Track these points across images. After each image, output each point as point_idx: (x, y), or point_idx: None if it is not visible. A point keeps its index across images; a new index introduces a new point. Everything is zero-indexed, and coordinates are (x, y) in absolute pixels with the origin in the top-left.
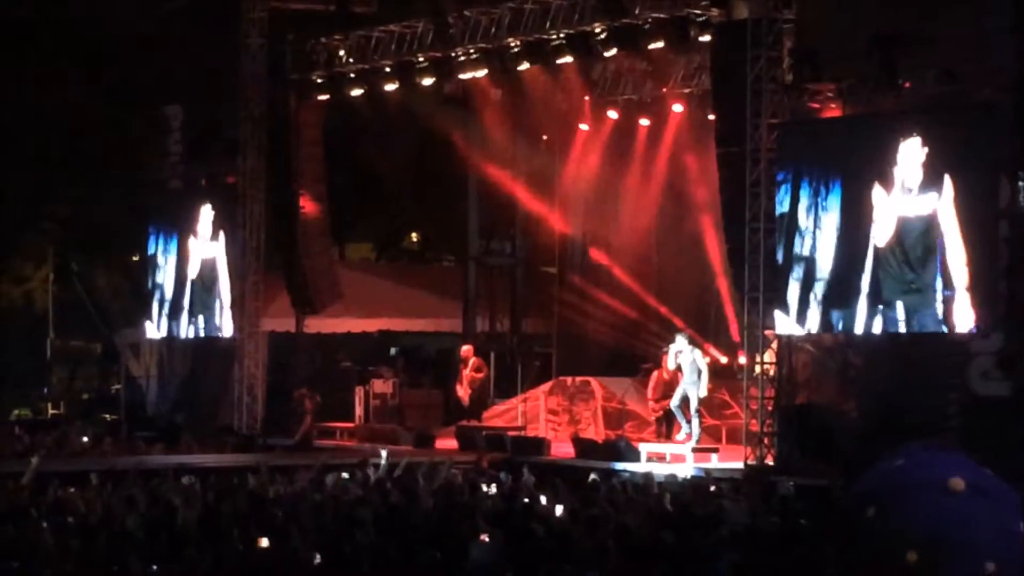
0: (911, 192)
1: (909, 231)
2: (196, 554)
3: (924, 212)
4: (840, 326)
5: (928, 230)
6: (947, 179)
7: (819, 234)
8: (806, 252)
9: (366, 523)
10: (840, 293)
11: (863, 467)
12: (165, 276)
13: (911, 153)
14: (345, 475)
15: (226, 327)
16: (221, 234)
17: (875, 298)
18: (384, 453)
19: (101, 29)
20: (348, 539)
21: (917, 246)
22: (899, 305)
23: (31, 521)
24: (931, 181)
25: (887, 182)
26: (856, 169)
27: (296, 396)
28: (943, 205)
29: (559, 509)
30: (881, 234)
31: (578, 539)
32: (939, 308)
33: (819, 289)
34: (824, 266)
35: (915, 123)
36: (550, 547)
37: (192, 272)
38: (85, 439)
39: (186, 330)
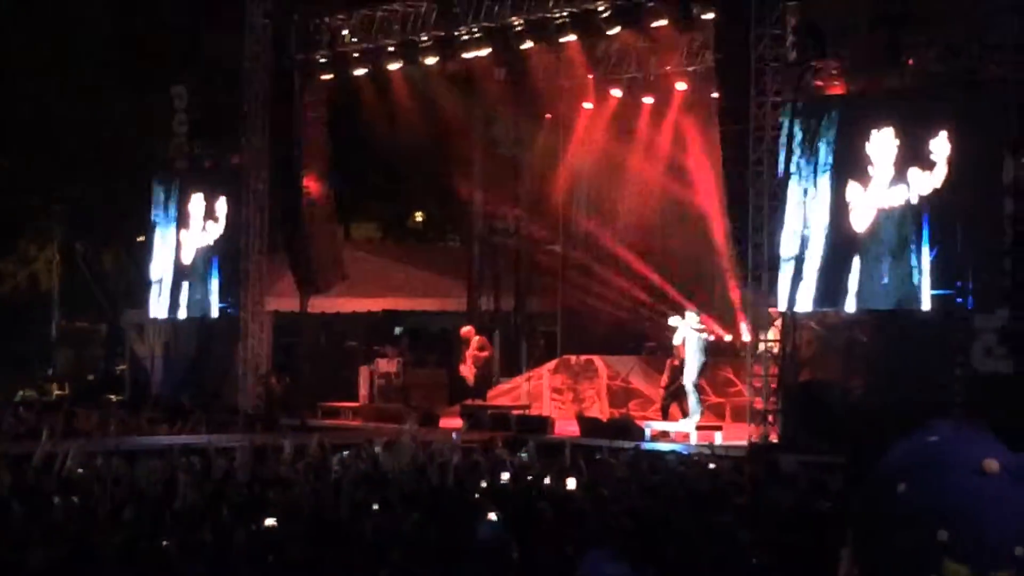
0: (885, 184)
1: (887, 224)
2: (201, 534)
3: (899, 203)
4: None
5: (905, 222)
6: (948, 156)
7: (807, 232)
8: (795, 250)
9: (372, 502)
10: (828, 289)
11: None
12: (164, 261)
13: (884, 144)
14: (346, 453)
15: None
16: (210, 223)
17: (861, 296)
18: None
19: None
20: (353, 517)
21: (894, 239)
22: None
23: (40, 499)
24: (903, 172)
25: (862, 175)
26: (839, 162)
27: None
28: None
29: (570, 484)
30: (862, 228)
31: (584, 517)
32: (927, 302)
33: (808, 284)
34: (812, 264)
35: (909, 104)
36: (556, 525)
37: (187, 259)
38: (91, 420)
39: (188, 312)
